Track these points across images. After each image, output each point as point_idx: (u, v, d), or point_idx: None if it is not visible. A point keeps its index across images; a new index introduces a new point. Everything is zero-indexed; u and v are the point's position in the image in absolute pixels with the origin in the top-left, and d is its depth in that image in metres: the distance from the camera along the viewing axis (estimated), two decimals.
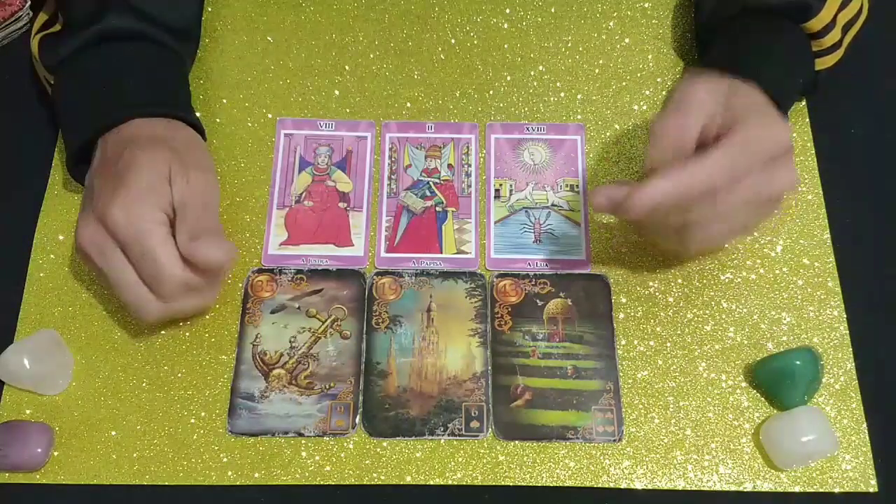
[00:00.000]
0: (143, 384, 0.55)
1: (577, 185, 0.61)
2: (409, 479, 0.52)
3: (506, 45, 0.65)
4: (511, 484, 0.52)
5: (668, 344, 0.56)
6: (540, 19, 0.66)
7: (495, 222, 0.60)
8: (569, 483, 0.52)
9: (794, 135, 0.62)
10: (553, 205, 0.60)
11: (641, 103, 0.63)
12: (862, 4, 0.59)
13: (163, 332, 0.56)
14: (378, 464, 0.52)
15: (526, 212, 0.60)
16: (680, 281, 0.58)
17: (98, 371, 0.55)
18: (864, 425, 0.53)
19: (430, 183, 0.61)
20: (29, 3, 0.65)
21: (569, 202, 0.60)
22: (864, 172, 0.62)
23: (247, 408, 0.54)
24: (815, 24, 0.55)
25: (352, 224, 0.59)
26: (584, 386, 0.54)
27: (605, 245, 0.59)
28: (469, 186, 0.61)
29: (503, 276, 0.58)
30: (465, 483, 0.52)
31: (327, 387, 0.54)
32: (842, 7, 0.56)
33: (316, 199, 0.60)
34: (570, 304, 0.57)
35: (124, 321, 0.56)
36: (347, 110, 0.63)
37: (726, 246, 0.58)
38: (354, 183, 0.61)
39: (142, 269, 0.49)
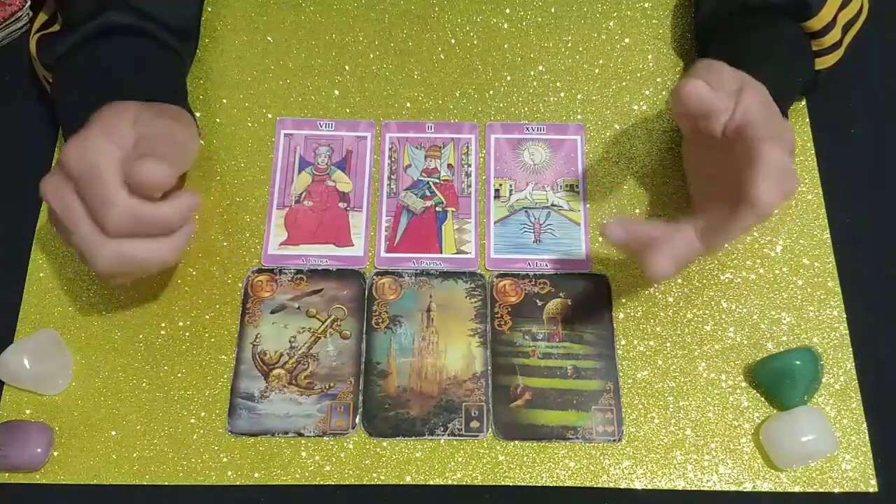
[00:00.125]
0: (143, 384, 0.55)
1: (577, 185, 0.61)
2: (409, 479, 0.52)
3: (506, 45, 0.65)
4: (511, 484, 0.52)
5: (668, 344, 0.56)
6: (540, 19, 0.66)
7: (495, 222, 0.60)
8: (569, 483, 0.52)
9: (795, 135, 0.62)
10: (553, 205, 0.60)
11: (641, 103, 0.63)
12: (862, 4, 0.59)
13: (163, 332, 0.56)
14: (378, 464, 0.52)
15: (526, 212, 0.60)
16: (680, 281, 0.58)
17: (98, 371, 0.55)
18: (864, 425, 0.53)
19: (430, 183, 0.61)
20: (29, 2, 0.65)
21: (569, 202, 0.60)
22: (864, 172, 0.62)
23: (247, 408, 0.54)
24: (816, 23, 0.55)
25: (352, 224, 0.59)
26: (584, 386, 0.54)
27: (605, 245, 0.59)
28: (469, 186, 0.61)
29: (503, 276, 0.58)
30: (465, 483, 0.52)
31: (327, 387, 0.54)
32: (842, 6, 0.56)
33: (316, 199, 0.60)
34: (570, 304, 0.57)
35: (124, 321, 0.56)
36: (347, 110, 0.63)
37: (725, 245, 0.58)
38: (354, 183, 0.61)
39: (90, 203, 0.46)
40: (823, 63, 0.58)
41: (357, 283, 0.57)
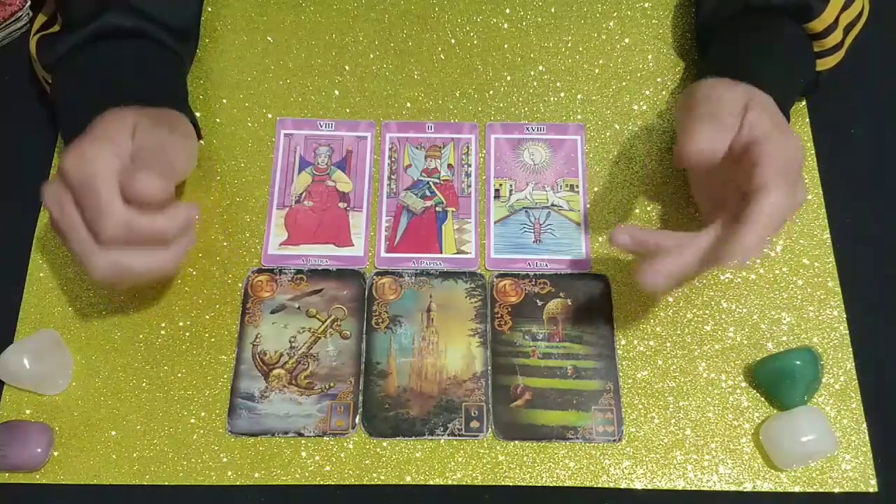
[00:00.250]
0: (143, 384, 0.55)
1: (577, 185, 0.61)
2: (409, 479, 0.52)
3: (506, 45, 0.65)
4: (511, 484, 0.52)
5: (668, 344, 0.56)
6: (540, 19, 0.66)
7: (495, 222, 0.60)
8: (569, 483, 0.52)
9: None
10: (553, 205, 0.60)
11: (641, 103, 0.63)
12: (863, 6, 0.59)
13: (163, 332, 0.56)
14: (378, 464, 0.52)
15: (526, 212, 0.60)
16: None
17: (98, 371, 0.55)
18: (864, 425, 0.53)
19: (430, 183, 0.61)
20: (29, 3, 0.65)
21: (569, 202, 0.60)
22: (864, 172, 0.62)
23: (247, 408, 0.54)
24: (818, 24, 0.55)
25: (352, 224, 0.59)
26: (584, 386, 0.54)
27: (605, 245, 0.59)
28: (469, 186, 0.61)
29: (503, 276, 0.58)
30: (465, 483, 0.52)
31: (327, 387, 0.54)
32: (844, 8, 0.56)
33: (316, 199, 0.60)
34: (570, 304, 0.57)
35: (124, 321, 0.56)
36: (347, 110, 0.63)
37: None
38: (354, 183, 0.61)
39: (86, 212, 0.46)
40: (825, 64, 0.58)
41: (357, 283, 0.57)
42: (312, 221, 0.60)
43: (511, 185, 0.61)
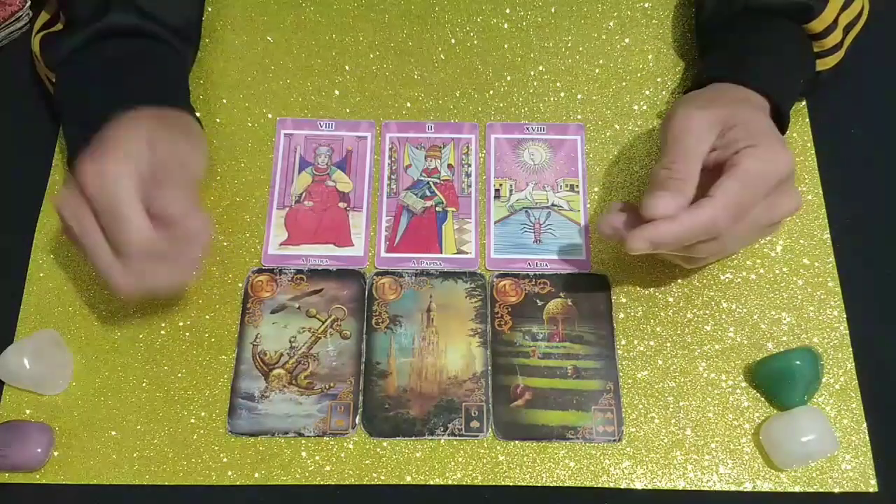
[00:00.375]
0: (143, 384, 0.55)
1: (577, 185, 0.61)
2: (409, 479, 0.52)
3: (506, 45, 0.65)
4: (511, 484, 0.52)
5: (668, 344, 0.56)
6: (540, 19, 0.66)
7: (495, 222, 0.60)
8: (569, 483, 0.52)
9: (795, 134, 0.62)
10: (553, 205, 0.60)
11: (641, 103, 0.63)
12: (863, 6, 0.59)
13: (163, 332, 0.56)
14: (378, 464, 0.52)
15: (526, 212, 0.60)
16: (680, 281, 0.58)
17: (98, 371, 0.55)
18: (864, 425, 0.53)
19: (430, 183, 0.61)
20: (29, 2, 0.65)
21: (569, 202, 0.60)
22: (864, 172, 0.62)
23: (247, 408, 0.54)
24: (817, 24, 0.55)
25: (352, 224, 0.59)
26: (584, 386, 0.54)
27: (605, 245, 0.59)
28: (469, 186, 0.61)
29: (503, 276, 0.58)
30: (465, 483, 0.52)
31: (327, 387, 0.54)
32: (843, 8, 0.56)
33: (316, 199, 0.60)
34: (570, 304, 0.57)
35: (124, 321, 0.56)
36: (347, 110, 0.63)
37: None
38: (354, 183, 0.61)
39: (109, 230, 0.47)
40: (825, 64, 0.58)
41: (357, 283, 0.57)
42: (312, 221, 0.60)
43: (511, 185, 0.61)
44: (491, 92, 0.64)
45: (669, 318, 0.57)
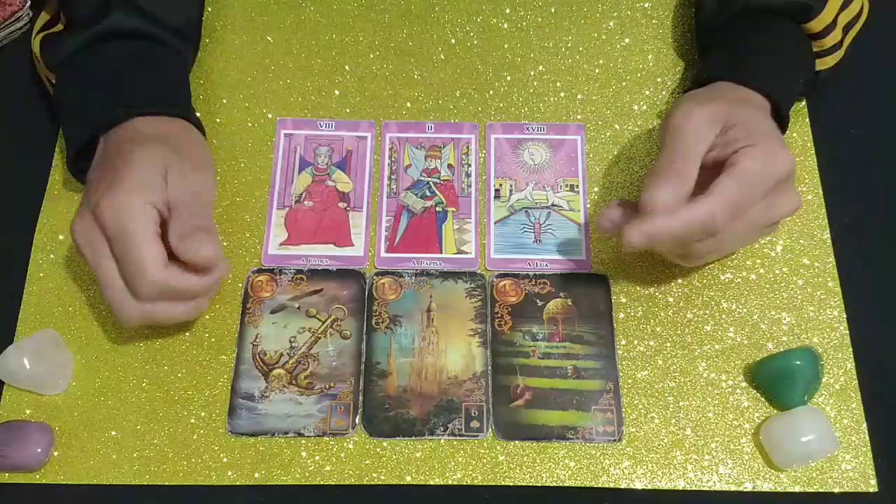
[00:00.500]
0: (143, 384, 0.55)
1: (577, 185, 0.61)
2: (409, 479, 0.52)
3: (506, 45, 0.65)
4: (511, 484, 0.52)
5: (668, 344, 0.56)
6: (540, 19, 0.66)
7: (495, 222, 0.60)
8: (569, 483, 0.52)
9: (794, 134, 0.62)
10: (553, 205, 0.60)
11: (641, 103, 0.63)
12: (862, 5, 0.59)
13: (163, 332, 0.56)
14: (378, 464, 0.52)
15: (526, 212, 0.60)
16: (680, 281, 0.58)
17: (98, 371, 0.55)
18: (864, 425, 0.53)
19: (430, 183, 0.61)
20: (29, 2, 0.65)
21: (569, 202, 0.60)
22: (864, 172, 0.62)
23: (247, 408, 0.54)
24: (817, 24, 0.55)
25: (352, 224, 0.59)
26: (584, 386, 0.54)
27: (605, 245, 0.59)
28: (469, 186, 0.61)
29: (503, 276, 0.58)
30: (465, 483, 0.52)
31: (327, 387, 0.54)
32: (843, 8, 0.56)
33: (316, 199, 0.60)
34: (570, 304, 0.57)
35: None
36: (347, 110, 0.63)
37: None
38: (354, 183, 0.61)
39: (123, 266, 0.48)
40: (824, 64, 0.58)
41: (357, 283, 0.57)
42: (312, 221, 0.60)
43: (511, 185, 0.61)
44: (491, 92, 0.64)
45: (669, 318, 0.57)
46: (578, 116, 0.63)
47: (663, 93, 0.64)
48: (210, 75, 0.64)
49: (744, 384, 0.55)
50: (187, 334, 0.56)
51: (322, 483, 0.52)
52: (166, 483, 0.52)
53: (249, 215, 0.60)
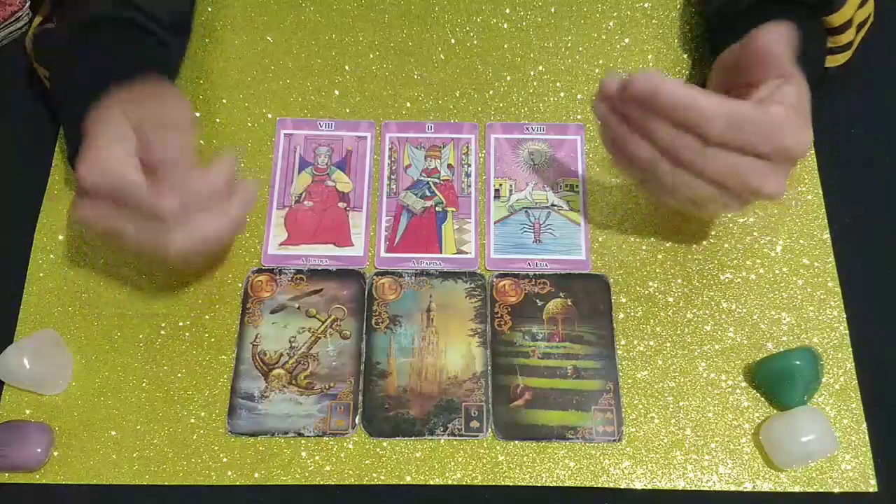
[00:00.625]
0: (143, 384, 0.55)
1: (577, 185, 0.61)
2: (409, 479, 0.52)
3: (506, 45, 0.65)
4: (511, 484, 0.52)
5: (668, 344, 0.56)
6: (540, 19, 0.66)
7: (495, 222, 0.60)
8: (569, 483, 0.52)
9: None
10: (553, 205, 0.60)
11: None
12: (873, 8, 0.58)
13: (163, 332, 0.56)
14: (378, 464, 0.52)
15: (526, 212, 0.60)
16: (680, 281, 0.58)
17: (98, 371, 0.55)
18: (864, 425, 0.53)
19: (430, 183, 0.61)
20: (29, 2, 0.65)
21: (569, 202, 0.60)
22: (864, 172, 0.62)
23: (247, 408, 0.54)
24: (837, 18, 0.55)
25: (352, 224, 0.59)
26: (584, 386, 0.54)
27: (605, 245, 0.59)
28: (469, 186, 0.61)
29: (503, 276, 0.58)
30: (464, 483, 0.52)
31: (327, 387, 0.54)
32: (860, 6, 0.56)
33: (316, 199, 0.60)
34: (570, 304, 0.57)
35: (124, 321, 0.56)
36: (347, 110, 0.63)
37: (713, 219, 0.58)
38: (354, 183, 0.61)
39: (133, 205, 0.47)
40: (835, 61, 0.58)
41: (357, 283, 0.57)
42: (312, 221, 0.60)
43: (511, 185, 0.61)
44: (491, 92, 0.64)
45: (669, 318, 0.57)
46: (578, 116, 0.63)
47: None
48: (210, 75, 0.64)
49: (744, 384, 0.55)
50: (187, 334, 0.56)
51: (322, 483, 0.52)
52: (166, 483, 0.52)
53: (249, 215, 0.59)
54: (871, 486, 0.52)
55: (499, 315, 0.56)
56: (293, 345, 0.56)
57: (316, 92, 0.64)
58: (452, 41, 0.66)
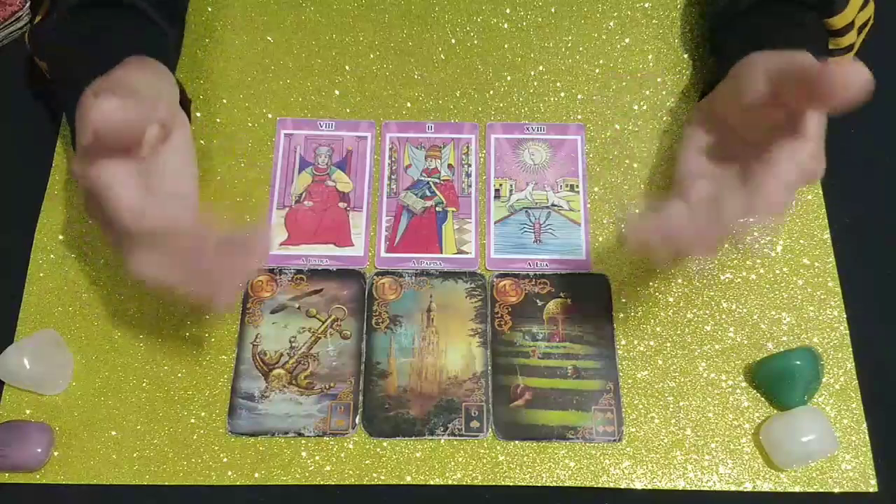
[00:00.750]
0: (143, 384, 0.55)
1: (577, 185, 0.61)
2: (409, 479, 0.52)
3: (506, 45, 0.65)
4: (511, 484, 0.52)
5: (668, 344, 0.56)
6: (540, 19, 0.66)
7: (495, 222, 0.60)
8: (569, 483, 0.52)
9: None
10: (553, 205, 0.60)
11: (641, 103, 0.63)
12: (873, 11, 0.58)
13: (163, 332, 0.56)
14: (378, 464, 0.52)
15: (526, 212, 0.60)
16: (680, 281, 0.58)
17: (98, 371, 0.55)
18: (864, 425, 0.53)
19: (430, 183, 0.61)
20: (29, 2, 0.65)
21: (569, 202, 0.60)
22: (864, 172, 0.62)
23: (247, 408, 0.54)
24: (839, 20, 0.55)
25: (352, 224, 0.59)
26: (584, 386, 0.54)
27: (605, 245, 0.59)
28: (469, 186, 0.61)
29: (503, 276, 0.58)
30: (465, 483, 0.52)
31: (327, 387, 0.54)
32: (861, 7, 0.56)
33: (316, 199, 0.60)
34: (570, 304, 0.57)
35: (124, 321, 0.56)
36: (347, 110, 0.63)
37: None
38: (354, 183, 0.61)
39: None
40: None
41: (357, 283, 0.57)
42: (312, 221, 0.60)
43: (511, 185, 0.61)
44: (491, 92, 0.64)
45: (669, 318, 0.57)
46: (578, 116, 0.63)
47: (663, 93, 0.64)
48: (210, 75, 0.64)
49: (744, 384, 0.55)
50: (187, 334, 0.56)
51: (322, 483, 0.52)
52: (166, 483, 0.52)
53: (249, 215, 0.60)
54: (872, 486, 0.52)
55: (499, 315, 0.56)
56: (293, 345, 0.56)
57: (316, 92, 0.64)
58: (452, 41, 0.66)
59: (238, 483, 0.52)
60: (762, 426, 0.53)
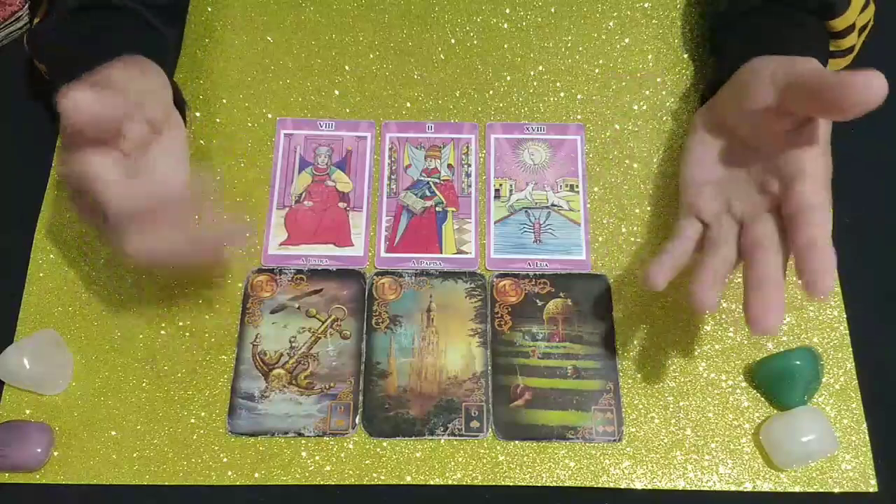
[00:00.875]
0: (143, 384, 0.55)
1: (577, 185, 0.61)
2: (409, 479, 0.52)
3: (506, 45, 0.65)
4: (511, 484, 0.52)
5: (668, 344, 0.56)
6: (540, 19, 0.66)
7: (495, 222, 0.60)
8: (569, 483, 0.52)
9: None
10: (553, 205, 0.60)
11: (641, 103, 0.63)
12: (873, 13, 0.58)
13: (163, 332, 0.56)
14: (378, 464, 0.52)
15: (526, 212, 0.60)
16: (680, 281, 0.57)
17: (98, 371, 0.55)
18: (864, 425, 0.53)
19: (430, 183, 0.61)
20: (29, 2, 0.65)
21: (569, 202, 0.60)
22: (864, 172, 0.62)
23: (247, 408, 0.54)
24: (840, 22, 0.55)
25: (352, 224, 0.59)
26: (584, 386, 0.54)
27: (605, 245, 0.59)
28: (469, 186, 0.61)
29: (503, 276, 0.58)
30: (465, 483, 0.52)
31: (327, 387, 0.54)
32: (862, 9, 0.56)
33: (316, 199, 0.60)
34: (570, 304, 0.57)
35: (124, 321, 0.56)
36: (347, 110, 0.63)
37: None
38: (354, 183, 0.61)
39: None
40: (836, 66, 0.58)
41: (357, 283, 0.57)
42: (312, 221, 0.60)
43: (511, 185, 0.61)
44: (491, 92, 0.64)
45: (669, 318, 0.57)
46: (578, 116, 0.63)
47: (663, 93, 0.64)
48: (210, 75, 0.64)
49: (744, 384, 0.55)
50: (187, 334, 0.56)
51: (322, 483, 0.52)
52: (166, 483, 0.52)
53: (249, 215, 0.60)
54: (872, 486, 0.52)
55: (499, 315, 0.56)
56: (293, 345, 0.56)
57: (316, 92, 0.64)
58: (452, 41, 0.66)
59: (238, 483, 0.52)
60: (762, 426, 0.53)
